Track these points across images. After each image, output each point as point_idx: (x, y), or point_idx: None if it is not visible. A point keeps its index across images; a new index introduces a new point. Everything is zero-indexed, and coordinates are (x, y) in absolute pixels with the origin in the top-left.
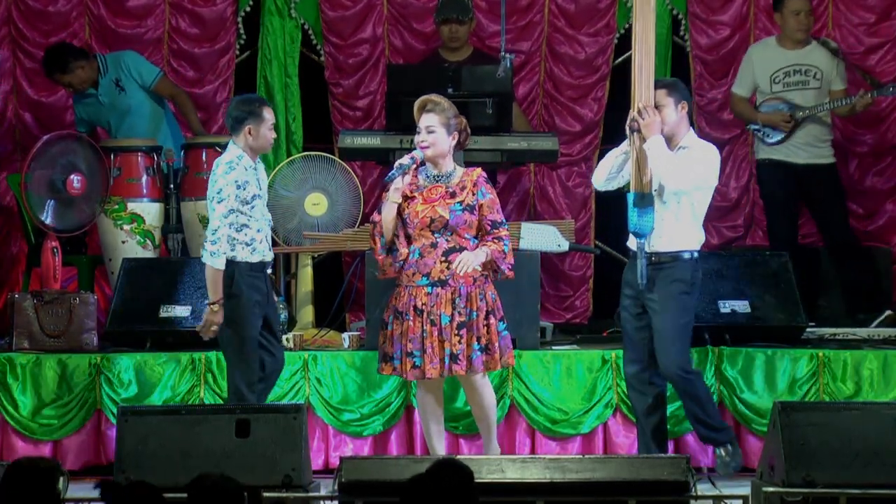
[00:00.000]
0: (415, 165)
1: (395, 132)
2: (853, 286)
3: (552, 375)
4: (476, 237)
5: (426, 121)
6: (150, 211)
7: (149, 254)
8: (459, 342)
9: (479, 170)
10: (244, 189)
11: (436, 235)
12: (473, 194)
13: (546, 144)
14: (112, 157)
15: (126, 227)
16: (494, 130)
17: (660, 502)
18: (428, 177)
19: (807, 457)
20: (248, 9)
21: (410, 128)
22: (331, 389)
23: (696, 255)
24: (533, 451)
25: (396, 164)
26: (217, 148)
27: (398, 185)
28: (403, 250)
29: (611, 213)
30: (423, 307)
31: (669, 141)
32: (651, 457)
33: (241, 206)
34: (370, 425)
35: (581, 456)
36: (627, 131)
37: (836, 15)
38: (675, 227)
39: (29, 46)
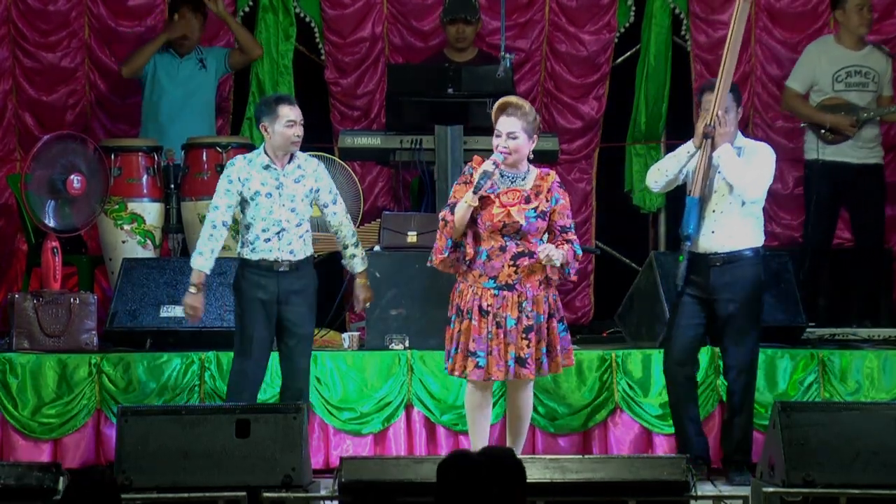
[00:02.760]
0: (496, 169)
1: (395, 132)
2: (870, 291)
3: (552, 374)
4: (542, 240)
5: (508, 125)
6: (150, 211)
7: (149, 254)
8: (528, 346)
9: (553, 174)
10: (242, 185)
11: (505, 239)
12: (547, 200)
13: (546, 145)
14: (112, 156)
15: (126, 227)
16: None
17: (660, 502)
18: (503, 178)
19: (807, 457)
20: (247, 9)
21: (410, 127)
22: (331, 389)
23: (762, 251)
24: (533, 449)
25: (481, 170)
26: (217, 148)
27: (482, 191)
28: (470, 250)
29: (612, 213)
30: (489, 308)
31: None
32: (651, 456)
33: (235, 204)
34: (370, 423)
35: (581, 456)
36: (701, 136)
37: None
38: (745, 224)
39: (28, 46)
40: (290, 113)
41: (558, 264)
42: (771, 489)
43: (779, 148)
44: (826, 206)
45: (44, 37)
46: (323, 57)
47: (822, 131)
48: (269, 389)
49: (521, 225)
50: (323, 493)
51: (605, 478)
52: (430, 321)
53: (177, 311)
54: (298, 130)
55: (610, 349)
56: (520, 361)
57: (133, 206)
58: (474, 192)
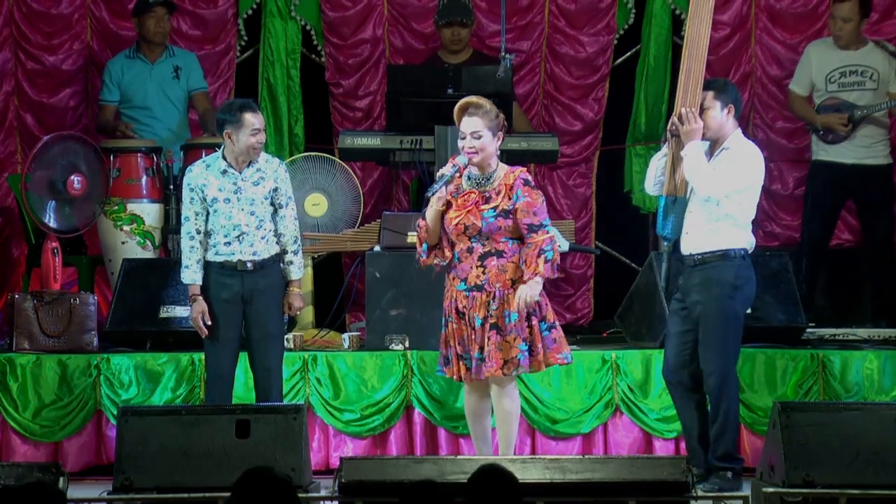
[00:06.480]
0: (458, 174)
1: (395, 133)
2: (880, 291)
3: (552, 375)
4: (515, 239)
5: (471, 125)
6: (149, 212)
7: (149, 254)
8: (489, 343)
9: (519, 170)
10: (201, 191)
11: (472, 241)
12: (509, 198)
13: (546, 145)
14: (112, 157)
15: (126, 227)
16: None
17: (660, 502)
18: (470, 179)
19: (807, 457)
20: (250, 11)
21: (410, 128)
22: (331, 390)
23: (741, 254)
24: (533, 451)
25: (439, 174)
26: (216, 149)
27: (441, 195)
28: (448, 253)
29: (612, 214)
30: (464, 310)
31: (714, 143)
32: (651, 457)
33: (202, 210)
34: (370, 425)
35: (581, 456)
36: (668, 135)
37: None
38: (715, 227)
39: (31, 48)
40: (254, 121)
41: (538, 298)
42: (771, 489)
43: (779, 148)
44: (821, 205)
45: (46, 39)
46: (323, 58)
47: (820, 132)
48: (243, 388)
49: (481, 227)
50: (323, 493)
51: (605, 478)
52: (430, 321)
53: (177, 311)
54: (262, 137)
55: (610, 349)
56: (482, 359)
57: (132, 207)
58: (430, 195)
